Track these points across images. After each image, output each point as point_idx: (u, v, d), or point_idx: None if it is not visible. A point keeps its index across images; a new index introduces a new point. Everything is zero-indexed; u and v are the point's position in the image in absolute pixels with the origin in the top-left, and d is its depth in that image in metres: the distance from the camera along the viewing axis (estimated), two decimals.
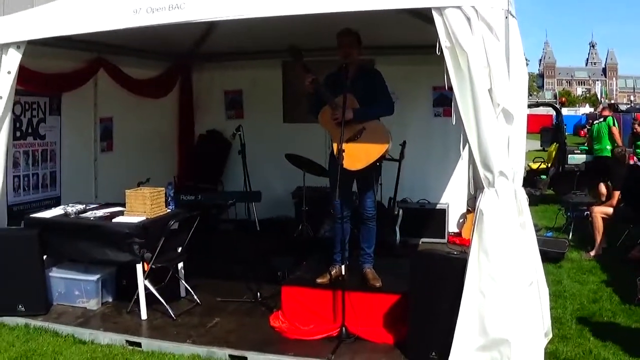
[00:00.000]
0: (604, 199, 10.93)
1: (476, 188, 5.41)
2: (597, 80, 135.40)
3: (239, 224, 10.87)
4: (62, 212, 7.36)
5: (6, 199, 7.46)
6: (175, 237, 7.20)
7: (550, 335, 5.71)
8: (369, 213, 6.67)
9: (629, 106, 54.01)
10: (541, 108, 37.12)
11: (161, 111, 11.35)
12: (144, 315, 6.83)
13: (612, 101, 74.07)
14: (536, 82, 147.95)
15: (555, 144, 16.48)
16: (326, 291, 6.46)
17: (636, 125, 16.30)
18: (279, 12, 5.48)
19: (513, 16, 5.10)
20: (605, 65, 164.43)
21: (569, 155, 15.42)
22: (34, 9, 6.56)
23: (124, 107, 10.24)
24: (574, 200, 11.60)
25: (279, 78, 11.38)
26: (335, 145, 6.31)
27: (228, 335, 6.36)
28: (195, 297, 7.31)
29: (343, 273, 6.26)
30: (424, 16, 6.01)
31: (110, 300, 7.40)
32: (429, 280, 5.59)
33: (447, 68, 5.10)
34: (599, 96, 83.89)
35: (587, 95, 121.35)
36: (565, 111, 42.46)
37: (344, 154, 6.00)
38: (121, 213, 7.18)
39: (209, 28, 9.67)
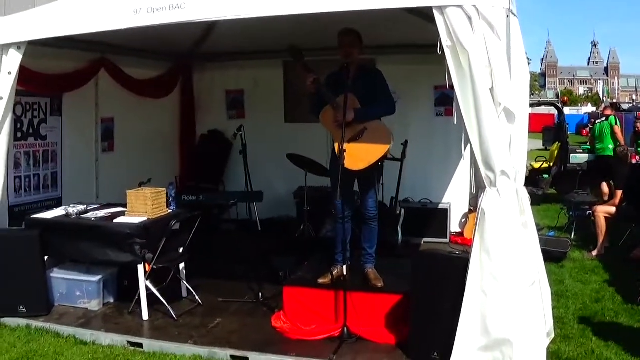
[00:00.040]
0: (606, 198, 10.93)
1: (478, 187, 5.40)
2: (599, 80, 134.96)
3: (241, 224, 10.86)
4: (63, 212, 7.36)
5: (7, 199, 7.44)
6: (176, 238, 7.19)
7: (553, 335, 5.69)
8: (370, 213, 6.66)
9: (631, 105, 53.96)
10: (543, 107, 37.24)
11: (162, 111, 11.35)
12: (145, 315, 6.83)
13: (614, 100, 73.90)
14: (538, 82, 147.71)
15: (557, 143, 16.47)
16: (328, 291, 6.45)
17: (638, 124, 16.31)
18: (279, 12, 5.47)
19: (514, 15, 5.09)
20: (607, 64, 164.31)
21: (571, 155, 15.39)
22: (34, 9, 6.55)
23: (125, 107, 10.24)
24: (576, 200, 11.57)
25: (280, 78, 11.37)
26: (336, 145, 6.29)
27: (230, 336, 6.35)
28: (197, 297, 7.30)
29: (345, 273, 6.26)
30: (425, 15, 6.01)
31: (111, 301, 7.39)
32: (430, 280, 5.58)
33: (448, 67, 5.09)
34: (601, 95, 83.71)
35: (589, 94, 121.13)
36: (567, 110, 42.50)
37: (345, 154, 5.98)
38: (122, 213, 7.17)
39: (210, 28, 9.65)
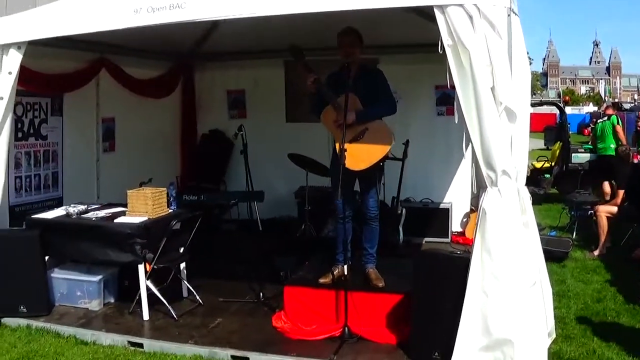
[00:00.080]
0: (608, 198, 10.91)
1: (479, 187, 5.39)
2: (601, 79, 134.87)
3: (242, 224, 10.84)
4: (63, 212, 7.35)
5: (8, 199, 7.43)
6: (177, 238, 7.18)
7: (554, 335, 5.69)
8: (371, 213, 6.64)
9: (632, 105, 53.98)
10: (545, 107, 37.18)
11: (163, 111, 11.34)
12: (146, 315, 6.82)
13: (616, 100, 73.88)
14: (540, 81, 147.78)
15: (559, 142, 16.45)
16: (329, 291, 6.45)
17: None
18: (280, 11, 5.46)
19: (515, 14, 5.08)
20: (609, 63, 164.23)
21: (573, 154, 15.40)
22: (34, 9, 6.54)
23: (126, 107, 10.23)
24: (578, 199, 11.56)
25: (282, 77, 11.36)
26: (337, 145, 6.28)
27: (230, 336, 6.34)
28: (198, 297, 7.29)
29: (345, 273, 6.24)
30: (426, 14, 5.99)
31: (112, 301, 7.38)
32: (432, 280, 5.56)
33: (449, 66, 5.07)
34: (602, 95, 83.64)
35: (591, 94, 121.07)
36: (569, 110, 42.44)
37: (346, 153, 5.97)
38: (123, 213, 7.17)
39: (211, 28, 9.66)
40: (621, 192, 10.02)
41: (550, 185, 15.54)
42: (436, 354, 5.45)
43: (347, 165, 6.02)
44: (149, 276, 6.83)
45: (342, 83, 6.38)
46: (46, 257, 7.08)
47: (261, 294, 7.31)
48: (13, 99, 6.87)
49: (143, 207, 7.04)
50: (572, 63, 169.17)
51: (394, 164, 8.24)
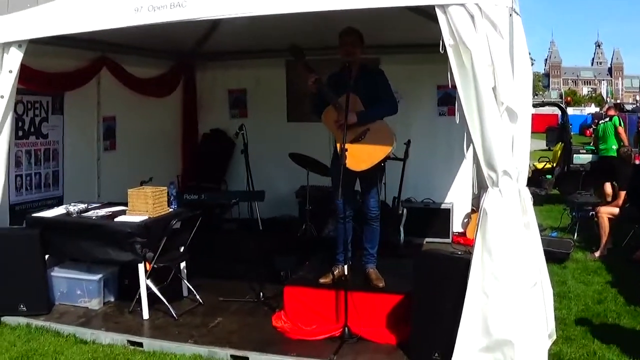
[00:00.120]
0: (609, 199, 10.89)
1: (480, 187, 5.37)
2: (603, 80, 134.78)
3: (243, 223, 10.83)
4: (64, 211, 7.34)
5: (8, 198, 7.44)
6: (177, 237, 7.18)
7: (555, 337, 5.66)
8: (372, 213, 6.63)
9: (634, 106, 53.95)
10: (547, 108, 37.16)
11: (164, 110, 11.33)
12: (145, 315, 6.82)
13: (618, 101, 73.83)
14: (542, 82, 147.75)
15: (560, 143, 16.44)
16: (329, 291, 6.44)
17: None
18: (280, 10, 5.45)
19: (517, 14, 5.06)
20: (611, 64, 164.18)
21: (575, 155, 15.40)
22: (35, 8, 6.53)
23: (127, 106, 10.22)
24: (579, 200, 11.55)
25: (283, 77, 11.35)
26: (339, 145, 6.26)
27: (230, 336, 6.34)
28: (198, 296, 7.28)
29: (346, 273, 6.23)
30: (428, 14, 5.97)
31: (112, 299, 7.38)
32: (432, 280, 5.55)
33: (450, 66, 5.06)
34: (604, 96, 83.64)
35: (593, 94, 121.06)
36: (571, 111, 42.45)
37: (347, 154, 5.95)
38: (123, 212, 7.16)
39: (213, 27, 9.66)
40: (622, 194, 10.02)
41: (552, 186, 15.52)
42: (436, 354, 5.44)
43: (348, 166, 6.00)
44: (149, 275, 6.82)
45: (343, 83, 6.36)
46: (46, 256, 7.07)
47: (261, 294, 7.30)
48: (14, 97, 6.86)
49: (143, 206, 7.03)
50: (574, 64, 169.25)
51: (395, 164, 8.23)
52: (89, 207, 7.48)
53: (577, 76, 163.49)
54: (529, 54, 5.49)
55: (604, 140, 14.96)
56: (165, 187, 7.38)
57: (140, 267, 6.75)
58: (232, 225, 11.04)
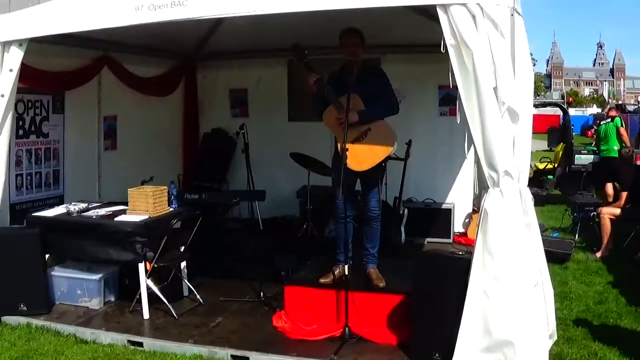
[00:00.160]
0: (610, 199, 10.89)
1: (481, 188, 5.36)
2: (605, 81, 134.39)
3: (244, 223, 10.82)
4: (64, 210, 7.34)
5: (9, 197, 7.43)
6: (178, 236, 7.19)
7: (555, 337, 5.66)
8: (373, 213, 6.62)
9: (636, 107, 53.86)
10: (549, 108, 37.13)
11: (166, 109, 11.32)
12: (146, 314, 6.82)
13: (620, 102, 73.73)
14: (544, 82, 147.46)
15: (562, 144, 16.43)
16: (329, 291, 6.43)
17: None
18: (281, 10, 5.45)
19: (519, 14, 5.05)
20: (612, 65, 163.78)
21: (576, 156, 15.37)
22: (35, 7, 6.52)
23: (128, 105, 10.22)
24: (581, 201, 11.53)
25: (284, 76, 11.35)
26: (339, 145, 6.26)
27: (230, 335, 6.33)
28: (198, 296, 7.28)
29: (346, 273, 6.21)
30: (429, 14, 5.96)
31: (112, 299, 7.38)
32: (433, 280, 5.54)
33: (451, 66, 5.05)
34: (606, 97, 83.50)
35: (595, 95, 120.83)
36: (572, 111, 42.38)
37: (348, 154, 5.94)
38: (124, 212, 7.16)
39: (214, 26, 9.64)
40: (624, 194, 10.00)
41: (553, 187, 15.52)
42: (437, 354, 5.43)
43: (349, 166, 6.00)
44: (149, 275, 6.82)
45: (344, 83, 6.35)
46: (46, 255, 7.07)
47: (262, 294, 7.29)
48: (14, 96, 6.86)
49: (144, 205, 7.02)
50: (576, 65, 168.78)
51: (396, 164, 8.22)
52: (90, 206, 7.48)
53: (579, 77, 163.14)
54: (531, 54, 5.48)
55: (605, 141, 14.93)
56: (166, 187, 7.38)
57: (141, 266, 6.74)
58: (233, 225, 11.03)
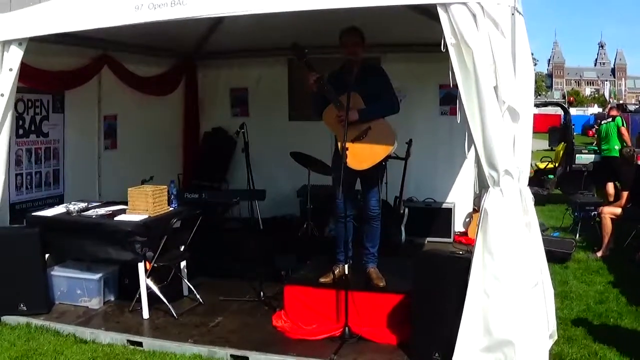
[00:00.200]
0: (611, 199, 10.87)
1: (481, 187, 5.35)
2: (606, 81, 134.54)
3: (244, 222, 10.81)
4: (64, 210, 7.33)
5: (8, 197, 7.43)
6: (177, 236, 7.17)
7: (556, 337, 5.65)
8: (373, 212, 6.61)
9: (637, 106, 53.89)
10: (550, 108, 37.11)
11: (166, 109, 11.31)
12: (145, 314, 6.80)
13: (621, 101, 73.78)
14: (545, 82, 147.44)
15: (563, 143, 16.42)
16: (329, 291, 6.42)
17: None
18: (282, 8, 5.44)
19: (519, 13, 5.04)
20: (614, 65, 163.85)
21: (577, 155, 15.36)
22: (35, 6, 6.52)
23: (128, 104, 10.21)
24: (581, 201, 11.53)
25: (285, 76, 11.35)
26: (339, 144, 6.25)
27: (230, 335, 6.32)
28: (198, 296, 7.27)
29: (346, 272, 6.20)
30: (430, 13, 5.95)
31: (112, 299, 7.36)
32: (433, 280, 5.53)
33: (452, 65, 5.04)
34: (607, 97, 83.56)
35: (596, 95, 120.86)
36: (573, 111, 42.39)
37: (348, 153, 5.93)
38: (123, 211, 7.15)
39: (214, 25, 9.64)
40: (625, 194, 9.99)
41: (554, 186, 15.52)
42: (437, 354, 5.42)
43: (349, 165, 5.99)
44: (149, 274, 6.81)
45: (344, 82, 6.34)
46: (46, 255, 7.06)
47: (261, 293, 7.28)
48: (14, 95, 6.85)
49: (143, 205, 7.01)
50: (577, 64, 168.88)
51: (397, 163, 8.21)
52: (89, 206, 7.47)
53: (580, 77, 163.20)
54: (532, 53, 5.46)
55: (606, 140, 14.95)
56: (166, 186, 7.37)
57: (140, 266, 6.73)
58: (233, 225, 11.02)
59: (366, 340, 6.09)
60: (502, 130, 4.92)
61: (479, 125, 4.99)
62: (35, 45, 6.80)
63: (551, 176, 15.74)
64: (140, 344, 6.18)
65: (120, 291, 7.44)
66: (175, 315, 6.77)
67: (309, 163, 8.65)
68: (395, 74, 6.82)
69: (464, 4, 4.90)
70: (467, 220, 10.46)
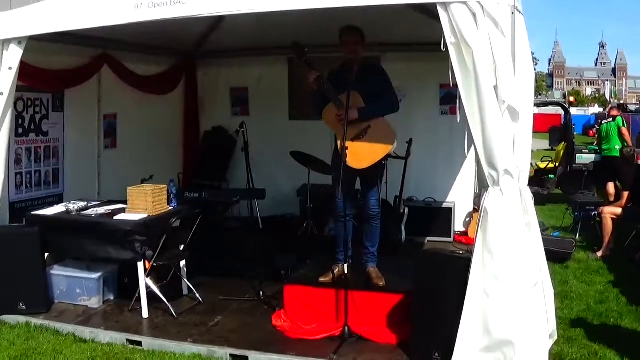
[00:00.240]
0: (612, 199, 10.86)
1: (481, 186, 5.35)
2: (607, 81, 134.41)
3: (244, 221, 10.81)
4: (63, 209, 7.32)
5: (8, 196, 7.43)
6: (177, 235, 7.17)
7: (556, 337, 5.64)
8: (372, 211, 6.60)
9: (638, 106, 53.85)
10: (550, 107, 37.11)
11: (166, 108, 11.29)
12: (145, 313, 6.80)
13: (621, 101, 73.73)
14: (546, 82, 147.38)
15: (563, 143, 16.42)
16: (329, 290, 6.41)
17: None
18: (283, 7, 5.43)
19: (519, 12, 5.03)
20: (615, 65, 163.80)
21: (577, 155, 15.36)
22: (34, 5, 6.51)
23: (128, 103, 10.20)
24: (582, 200, 11.52)
25: (285, 75, 11.35)
26: (339, 143, 6.24)
27: (229, 335, 6.31)
28: (197, 295, 7.26)
29: (346, 272, 6.20)
30: (430, 12, 5.95)
31: (111, 298, 7.36)
32: (432, 280, 5.52)
33: (452, 64, 5.03)
34: (607, 97, 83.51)
35: (597, 95, 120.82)
36: (574, 111, 42.39)
37: (348, 152, 5.93)
38: (123, 210, 7.14)
39: (215, 24, 9.63)
40: (626, 194, 9.98)
41: (555, 186, 15.52)
42: (436, 354, 5.41)
43: (348, 164, 5.99)
44: (148, 274, 6.81)
45: (344, 81, 6.34)
46: (46, 254, 7.06)
47: (261, 293, 7.27)
48: (13, 94, 6.84)
49: (143, 204, 7.00)
50: (578, 64, 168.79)
51: (397, 162, 8.21)
52: (89, 205, 7.46)
53: (581, 76, 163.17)
54: (533, 53, 5.46)
55: (607, 140, 14.96)
56: (165, 185, 7.36)
57: (140, 265, 6.73)
58: (233, 224, 11.01)
59: (366, 340, 6.08)
60: (502, 130, 4.91)
61: (479, 124, 4.98)
62: (35, 44, 6.79)
63: (552, 176, 15.74)
64: (139, 343, 6.17)
65: (120, 290, 7.44)
66: (174, 314, 6.76)
67: (309, 162, 8.64)
68: (395, 73, 6.81)
69: (464, 3, 4.89)
70: (468, 219, 10.46)
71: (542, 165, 16.20)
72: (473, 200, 10.37)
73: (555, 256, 8.82)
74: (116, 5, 5.92)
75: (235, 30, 9.26)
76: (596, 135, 20.17)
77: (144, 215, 6.91)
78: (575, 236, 10.66)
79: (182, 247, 7.34)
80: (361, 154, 6.26)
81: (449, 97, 10.08)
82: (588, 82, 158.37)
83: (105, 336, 6.33)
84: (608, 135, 14.91)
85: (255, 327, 6.52)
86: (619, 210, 9.82)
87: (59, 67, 8.50)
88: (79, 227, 7.00)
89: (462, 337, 5.11)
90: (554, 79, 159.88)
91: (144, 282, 6.76)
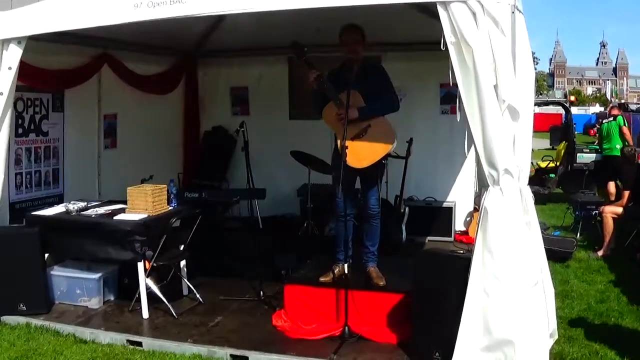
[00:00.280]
0: (612, 198, 10.86)
1: (481, 186, 5.34)
2: (608, 80, 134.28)
3: (244, 221, 10.80)
4: (63, 209, 7.31)
5: (8, 196, 7.42)
6: (177, 235, 7.16)
7: (556, 336, 5.63)
8: (372, 211, 6.59)
9: (639, 106, 53.82)
10: (551, 107, 37.12)
11: (166, 108, 11.28)
12: (145, 314, 6.79)
13: (622, 101, 73.66)
14: (546, 81, 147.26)
15: (564, 142, 16.42)
16: (329, 290, 6.41)
17: None
18: (282, 6, 5.42)
19: (520, 11, 5.02)
20: (615, 65, 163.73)
21: (578, 154, 15.36)
22: (34, 4, 6.50)
23: (128, 103, 10.20)
24: (582, 200, 11.50)
25: (285, 74, 11.35)
26: (339, 142, 6.23)
27: (230, 335, 6.30)
28: (198, 295, 7.25)
29: (346, 272, 6.19)
30: (430, 11, 5.94)
31: (112, 298, 7.35)
32: (433, 279, 5.51)
33: (452, 64, 5.02)
34: (608, 96, 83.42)
35: (598, 94, 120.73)
36: (575, 110, 42.38)
37: (348, 151, 5.92)
38: (123, 210, 7.13)
39: (214, 24, 9.64)
40: (626, 193, 9.97)
41: (555, 185, 15.52)
42: (437, 354, 5.40)
43: (349, 163, 5.99)
44: (148, 274, 6.80)
45: (344, 80, 6.33)
46: (46, 255, 7.05)
47: (261, 293, 7.26)
48: (13, 94, 6.83)
49: (143, 204, 7.00)
50: (579, 63, 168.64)
51: (397, 162, 8.20)
52: (89, 205, 7.46)
53: (582, 76, 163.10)
54: (533, 53, 5.45)
55: (607, 139, 14.94)
56: (165, 185, 7.36)
57: (140, 265, 6.72)
58: (233, 224, 11.01)
59: (366, 340, 6.07)
60: (502, 129, 4.90)
61: (479, 124, 4.97)
62: (34, 43, 6.79)
63: (552, 175, 15.74)
64: (139, 343, 6.17)
65: (120, 291, 7.43)
66: (174, 314, 6.75)
67: (309, 162, 8.64)
68: (395, 73, 6.80)
69: (464, 2, 4.88)
70: (468, 219, 10.45)
71: (543, 165, 16.20)
72: (473, 199, 10.36)
73: (556, 255, 8.82)
74: (116, 4, 5.91)
75: (235, 29, 9.25)
76: (597, 135, 20.16)
77: (144, 216, 6.90)
78: (576, 235, 10.64)
79: (182, 247, 7.33)
80: (361, 153, 6.25)
81: (449, 97, 10.07)
82: (589, 82, 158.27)
83: (106, 337, 6.32)
84: (609, 134, 14.90)
85: (255, 327, 6.51)
86: (619, 210, 9.80)
87: (59, 66, 8.49)
88: (79, 228, 6.99)
89: (463, 337, 5.10)
90: (555, 79, 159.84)
91: (144, 282, 6.75)
